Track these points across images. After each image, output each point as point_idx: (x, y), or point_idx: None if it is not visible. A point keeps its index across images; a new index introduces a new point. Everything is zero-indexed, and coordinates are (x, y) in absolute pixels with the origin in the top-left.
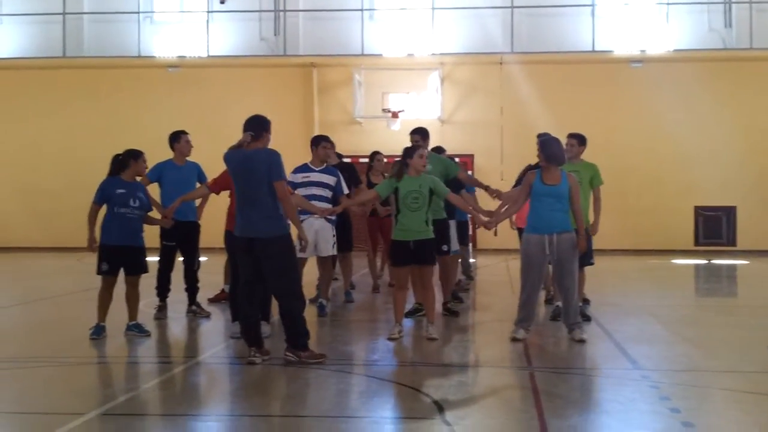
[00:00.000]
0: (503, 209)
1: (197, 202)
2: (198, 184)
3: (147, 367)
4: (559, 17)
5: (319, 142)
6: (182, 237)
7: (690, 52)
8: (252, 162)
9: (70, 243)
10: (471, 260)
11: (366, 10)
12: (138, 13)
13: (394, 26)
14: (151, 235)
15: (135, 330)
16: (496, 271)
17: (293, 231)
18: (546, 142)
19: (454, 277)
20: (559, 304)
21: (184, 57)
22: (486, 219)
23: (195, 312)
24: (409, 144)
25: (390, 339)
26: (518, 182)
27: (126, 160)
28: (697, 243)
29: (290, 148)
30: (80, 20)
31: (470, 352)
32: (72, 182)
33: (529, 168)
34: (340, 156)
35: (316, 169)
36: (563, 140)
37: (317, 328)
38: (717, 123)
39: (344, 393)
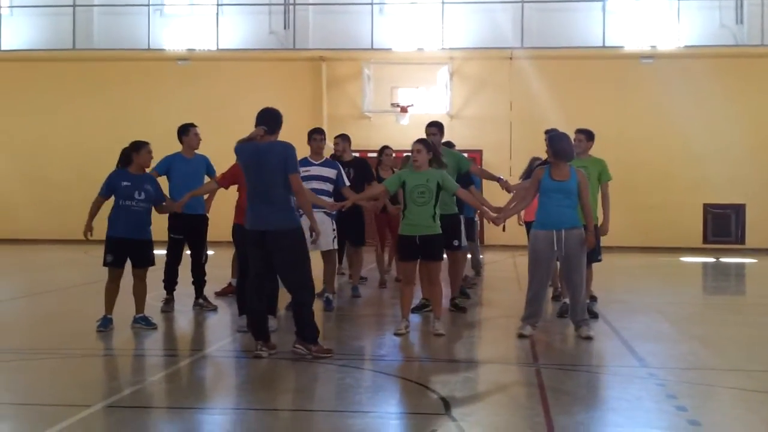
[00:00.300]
0: (512, 205)
1: (205, 195)
2: (207, 178)
3: (153, 359)
4: (569, 12)
5: (311, 135)
6: (190, 230)
7: (701, 48)
8: (266, 155)
9: (78, 235)
10: (480, 256)
11: (376, 3)
12: (148, 5)
13: (403, 20)
14: (159, 228)
15: (142, 323)
16: (503, 267)
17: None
18: (554, 138)
19: (462, 272)
20: (567, 300)
21: (194, 50)
22: (494, 215)
23: (202, 305)
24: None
25: (397, 334)
26: (525, 174)
27: (128, 153)
28: (705, 241)
29: (299, 142)
30: (90, 12)
31: (477, 348)
32: (81, 175)
33: (536, 160)
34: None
35: (316, 163)
36: (571, 136)
37: (324, 322)
38: (727, 120)
39: (350, 388)
